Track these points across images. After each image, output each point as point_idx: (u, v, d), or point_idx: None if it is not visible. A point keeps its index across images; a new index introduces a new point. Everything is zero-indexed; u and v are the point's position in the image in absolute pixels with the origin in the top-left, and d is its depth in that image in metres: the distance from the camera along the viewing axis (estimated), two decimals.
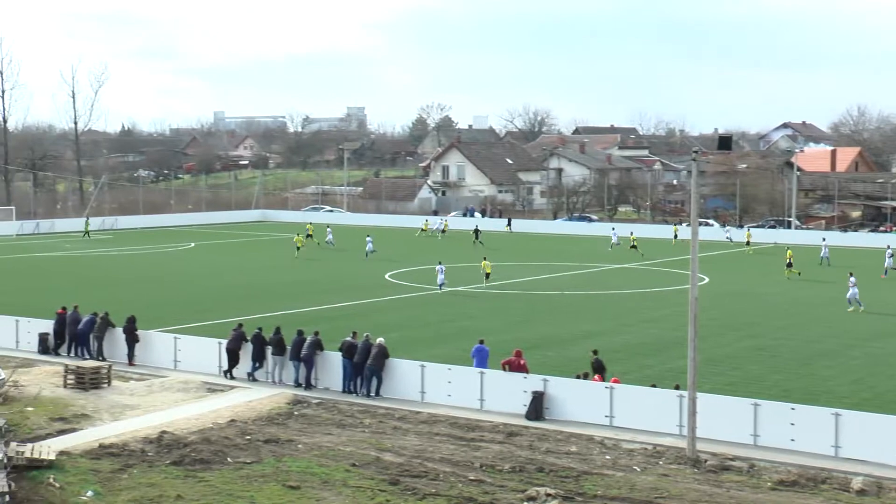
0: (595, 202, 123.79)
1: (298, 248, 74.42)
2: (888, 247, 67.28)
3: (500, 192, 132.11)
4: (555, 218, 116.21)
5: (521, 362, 32.11)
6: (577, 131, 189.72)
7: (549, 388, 30.04)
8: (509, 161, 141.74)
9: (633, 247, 77.93)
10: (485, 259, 61.95)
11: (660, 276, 63.95)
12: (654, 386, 30.67)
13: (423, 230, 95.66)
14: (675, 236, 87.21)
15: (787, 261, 64.55)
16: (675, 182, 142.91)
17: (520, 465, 25.10)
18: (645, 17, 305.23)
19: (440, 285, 56.38)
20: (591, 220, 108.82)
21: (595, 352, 33.48)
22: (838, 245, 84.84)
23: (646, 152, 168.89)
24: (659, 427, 28.20)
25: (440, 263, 58.16)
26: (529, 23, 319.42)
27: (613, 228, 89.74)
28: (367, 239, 73.70)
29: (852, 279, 51.05)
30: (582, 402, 29.61)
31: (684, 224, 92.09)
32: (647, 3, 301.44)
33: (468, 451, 26.48)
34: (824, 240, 76.15)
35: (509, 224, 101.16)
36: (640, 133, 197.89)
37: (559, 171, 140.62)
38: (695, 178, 28.47)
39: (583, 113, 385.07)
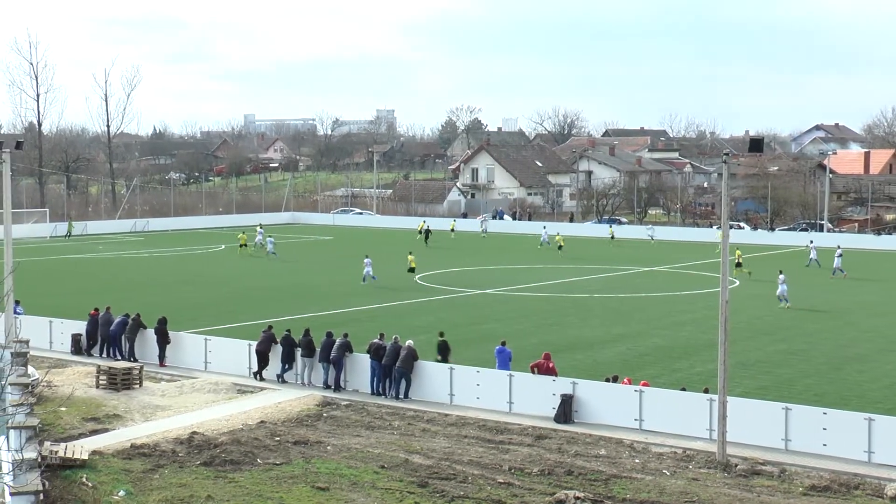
0: (625, 205, 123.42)
1: (242, 246, 75.07)
2: (838, 246, 68.12)
3: (529, 194, 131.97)
4: (566, 220, 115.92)
5: (550, 365, 32.07)
6: (606, 134, 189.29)
7: (579, 390, 29.98)
8: (539, 163, 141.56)
9: (560, 248, 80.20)
10: (410, 254, 65.53)
11: (689, 280, 63.67)
12: (683, 389, 30.54)
13: (451, 231, 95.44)
14: (612, 237, 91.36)
15: (737, 260, 65.17)
16: (705, 185, 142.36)
17: (549, 469, 25.07)
18: (676, 20, 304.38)
19: (364, 278, 58.99)
20: (620, 223, 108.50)
21: (441, 334, 35.51)
22: (871, 249, 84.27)
23: (676, 155, 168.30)
24: (689, 431, 28.08)
25: (367, 257, 60.84)
26: (559, 25, 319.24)
27: (545, 227, 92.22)
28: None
29: (781, 276, 52.69)
30: (611, 405, 29.54)
31: (624, 222, 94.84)
32: (677, 6, 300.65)
33: (497, 453, 26.48)
34: (812, 242, 75.79)
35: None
36: (671, 135, 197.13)
37: (589, 173, 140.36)
38: (725, 181, 28.35)
39: (613, 115, 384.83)
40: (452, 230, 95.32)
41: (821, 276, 64.70)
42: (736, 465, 25.54)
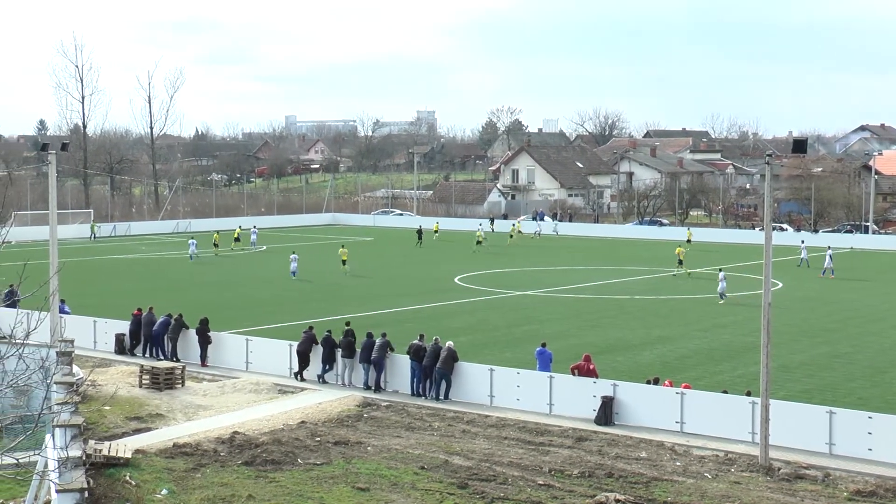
0: (666, 206, 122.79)
1: (215, 245, 76.10)
2: (828, 247, 68.20)
3: (570, 195, 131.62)
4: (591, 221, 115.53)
5: (591, 367, 31.96)
6: (648, 135, 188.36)
7: (619, 392, 29.88)
8: (579, 164, 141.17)
9: (479, 242, 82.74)
10: (343, 247, 69.59)
11: (731, 282, 63.21)
12: (725, 392, 30.36)
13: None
14: (515, 234, 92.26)
15: (678, 258, 66.25)
16: (747, 186, 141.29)
17: (589, 471, 25.00)
18: (718, 20, 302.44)
19: (293, 272, 62.48)
20: (661, 224, 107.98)
21: (347, 323, 36.68)
22: None
23: (718, 156, 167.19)
24: (731, 434, 27.90)
25: (294, 253, 64.84)
26: (600, 26, 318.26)
27: (480, 224, 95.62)
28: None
29: (721, 274, 54.89)
30: (652, 408, 29.40)
31: (522, 219, 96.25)
32: (720, 6, 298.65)
33: (537, 455, 26.44)
34: (803, 242, 75.25)
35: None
36: (713, 136, 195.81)
37: (630, 174, 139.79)
38: (768, 182, 28.14)
39: (654, 116, 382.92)
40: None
41: (863, 278, 63.98)
42: (779, 469, 25.34)
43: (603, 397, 29.72)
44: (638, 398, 29.72)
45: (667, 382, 31.04)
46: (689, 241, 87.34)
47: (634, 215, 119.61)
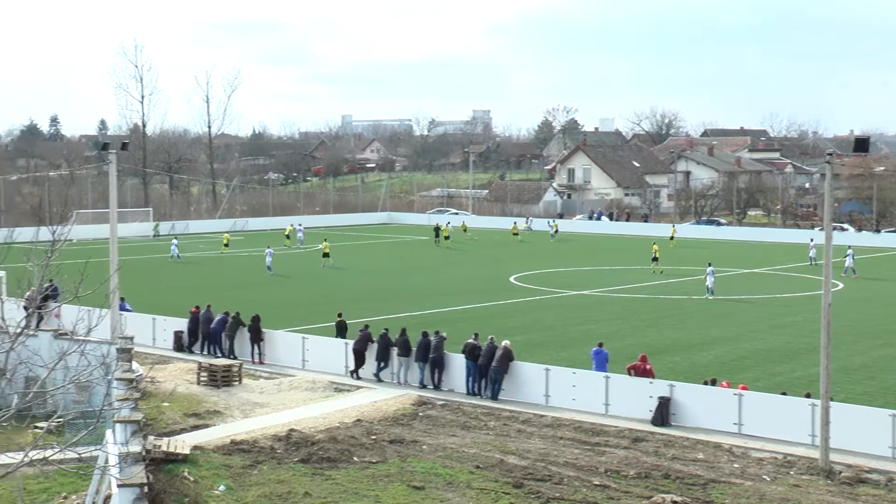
0: (723, 206, 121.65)
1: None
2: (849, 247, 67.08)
3: (626, 195, 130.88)
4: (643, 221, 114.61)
5: (647, 367, 31.79)
6: (705, 134, 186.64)
7: (676, 393, 29.67)
8: (636, 164, 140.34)
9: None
10: (325, 240, 72.40)
11: (790, 282, 62.55)
12: (784, 394, 30.03)
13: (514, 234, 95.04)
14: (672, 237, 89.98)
15: (653, 255, 66.73)
16: (807, 185, 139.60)
17: (645, 472, 24.85)
18: (776, 17, 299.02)
19: (268, 267, 64.52)
20: (719, 224, 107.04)
21: (340, 315, 39.38)
22: None
23: (777, 155, 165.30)
24: (790, 436, 27.59)
25: (269, 247, 67.29)
26: (657, 24, 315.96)
27: (527, 220, 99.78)
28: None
29: (710, 269, 55.88)
30: (709, 409, 29.16)
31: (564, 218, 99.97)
32: (777, 3, 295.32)
33: (593, 455, 26.33)
34: (812, 240, 74.22)
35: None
36: (772, 135, 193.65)
37: (687, 174, 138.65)
38: (828, 182, 27.80)
39: (711, 115, 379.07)
40: (515, 234, 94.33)
41: None
42: (840, 473, 25.00)
43: (660, 398, 29.53)
44: (695, 399, 29.50)
45: (724, 383, 30.78)
46: (672, 237, 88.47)
47: (691, 215, 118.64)
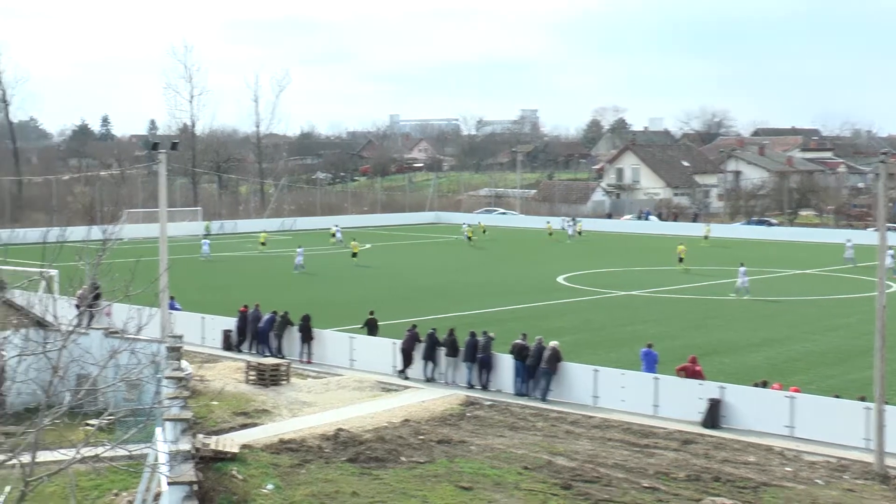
0: (774, 206, 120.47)
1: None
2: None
3: (675, 195, 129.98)
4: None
5: (697, 368, 31.57)
6: (756, 133, 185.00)
7: (727, 395, 29.41)
8: (685, 163, 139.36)
9: (579, 233, 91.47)
10: (354, 240, 74.43)
11: (842, 283, 61.82)
12: (837, 396, 29.66)
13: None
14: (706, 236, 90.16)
15: (679, 256, 67.20)
16: (860, 185, 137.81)
17: (695, 474, 24.64)
18: (828, 14, 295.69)
19: (299, 265, 65.62)
20: (770, 224, 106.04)
21: (371, 312, 39.73)
22: None
23: (830, 154, 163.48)
24: (843, 440, 27.23)
25: (300, 247, 67.89)
26: (707, 23, 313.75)
27: (568, 221, 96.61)
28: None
29: (742, 269, 55.61)
30: (761, 411, 28.88)
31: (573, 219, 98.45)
32: (829, 0, 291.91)
33: (642, 457, 26.16)
34: (849, 241, 73.17)
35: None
36: (824, 134, 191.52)
37: (737, 173, 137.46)
38: (882, 182, 27.41)
39: (762, 114, 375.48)
40: (550, 234, 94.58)
41: None
42: (895, 478, 24.65)
43: (710, 399, 29.30)
44: (746, 401, 29.23)
45: (776, 385, 30.47)
46: (706, 237, 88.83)
47: (742, 215, 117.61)
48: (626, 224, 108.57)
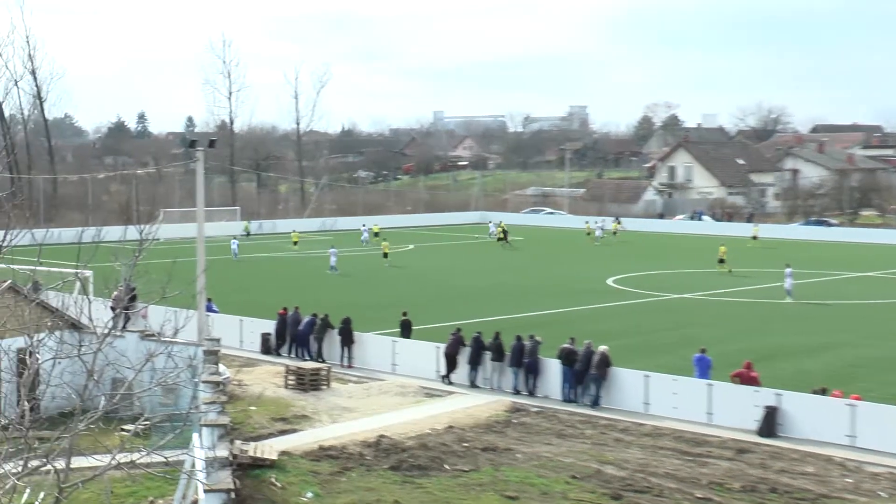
0: (834, 205, 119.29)
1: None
2: None
3: (730, 194, 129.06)
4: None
5: (753, 374, 31.30)
6: (814, 130, 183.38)
7: (784, 402, 29.13)
8: (740, 161, 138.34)
9: (614, 233, 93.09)
10: (385, 241, 76.37)
11: None
12: None
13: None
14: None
15: (720, 257, 66.92)
16: None
17: (751, 485, 24.42)
18: (890, 5, 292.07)
19: (333, 267, 65.98)
20: (829, 225, 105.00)
21: (405, 313, 40.15)
22: None
23: (892, 152, 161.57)
24: None
25: (332, 247, 68.87)
26: (763, 17, 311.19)
27: (598, 222, 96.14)
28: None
29: (788, 270, 55.22)
30: (820, 420, 28.57)
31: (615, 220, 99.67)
32: None
33: (695, 466, 25.97)
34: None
35: None
36: (887, 131, 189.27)
37: (795, 171, 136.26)
38: None
39: (821, 110, 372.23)
40: (588, 234, 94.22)
41: None
42: None
43: (766, 407, 29.04)
44: (804, 409, 28.93)
45: (836, 393, 30.13)
46: (754, 237, 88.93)
47: (799, 215, 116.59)
48: (678, 224, 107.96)
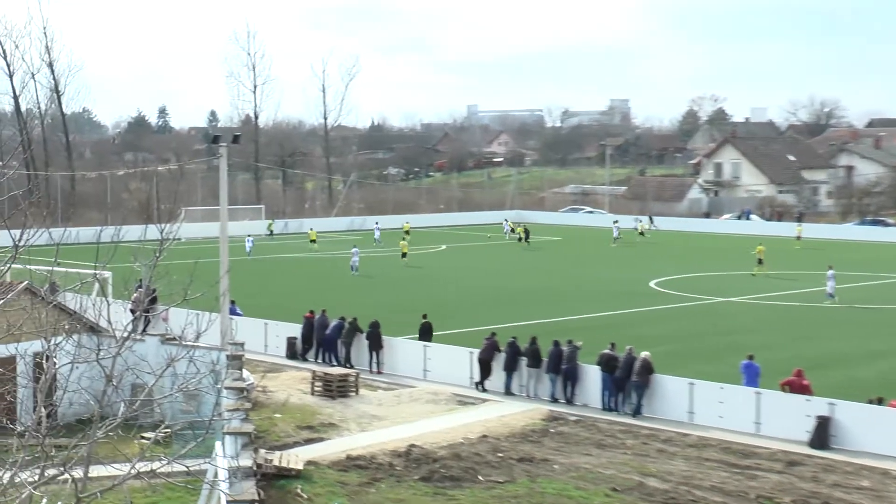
0: (891, 204, 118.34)
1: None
2: None
3: (780, 192, 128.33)
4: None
5: (804, 383, 31.12)
6: (870, 124, 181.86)
7: (837, 412, 28.95)
8: (791, 158, 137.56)
9: (641, 234, 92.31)
10: (403, 240, 77.09)
11: None
12: None
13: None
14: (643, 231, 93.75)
15: (758, 257, 66.85)
16: None
17: (802, 499, 24.31)
18: None
19: (353, 267, 66.30)
20: (886, 225, 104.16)
21: (424, 316, 40.04)
22: None
23: None
24: None
25: (355, 247, 68.37)
26: (817, 6, 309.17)
27: (616, 222, 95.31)
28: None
29: (830, 272, 55.07)
30: (875, 431, 28.40)
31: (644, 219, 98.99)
32: None
33: (742, 479, 25.87)
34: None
35: None
36: None
37: (849, 168, 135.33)
38: None
39: (878, 103, 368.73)
40: (641, 233, 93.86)
41: None
42: None
43: (818, 417, 28.87)
44: (859, 419, 28.76)
45: (893, 403, 29.91)
46: (798, 237, 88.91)
47: (854, 214, 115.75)
48: (725, 224, 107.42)
